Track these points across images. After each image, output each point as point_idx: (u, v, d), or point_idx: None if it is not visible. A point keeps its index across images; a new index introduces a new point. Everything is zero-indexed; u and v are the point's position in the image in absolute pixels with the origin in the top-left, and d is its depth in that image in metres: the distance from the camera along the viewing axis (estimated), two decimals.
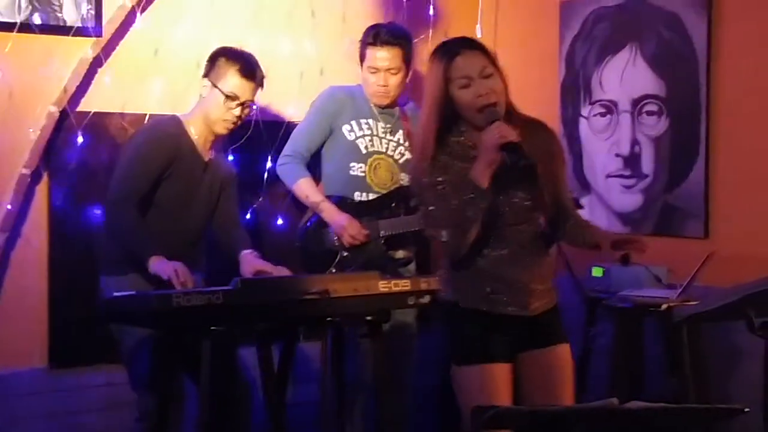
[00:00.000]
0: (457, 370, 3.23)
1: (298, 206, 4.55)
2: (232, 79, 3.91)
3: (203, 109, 3.96)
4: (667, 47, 4.75)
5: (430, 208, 3.15)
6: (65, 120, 4.36)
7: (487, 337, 3.19)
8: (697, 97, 4.65)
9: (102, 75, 4.46)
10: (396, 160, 4.50)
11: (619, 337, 4.54)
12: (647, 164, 4.84)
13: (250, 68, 3.95)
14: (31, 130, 4.29)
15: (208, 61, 3.99)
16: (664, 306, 4.15)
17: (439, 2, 5.28)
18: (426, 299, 3.81)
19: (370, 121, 4.45)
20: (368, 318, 3.78)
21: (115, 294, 3.41)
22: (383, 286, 3.72)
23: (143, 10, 4.49)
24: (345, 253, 4.36)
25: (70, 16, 4.34)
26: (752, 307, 3.34)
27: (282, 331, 3.78)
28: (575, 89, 5.09)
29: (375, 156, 4.46)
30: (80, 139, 4.36)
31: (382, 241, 4.40)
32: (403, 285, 3.78)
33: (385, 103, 4.47)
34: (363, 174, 4.45)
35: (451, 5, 5.35)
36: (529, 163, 3.12)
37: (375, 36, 4.34)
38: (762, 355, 3.48)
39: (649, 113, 4.84)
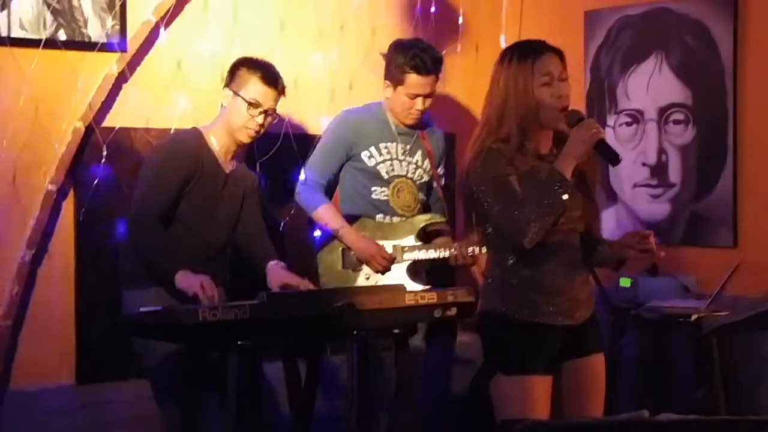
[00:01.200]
0: (497, 381, 3.22)
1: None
2: (254, 87, 3.91)
3: (225, 119, 3.95)
4: (693, 55, 4.72)
5: (493, 200, 3.14)
6: (91, 136, 4.37)
7: (530, 348, 3.19)
8: (723, 105, 4.62)
9: (127, 90, 4.47)
10: (415, 182, 4.48)
11: (648, 349, 4.51)
12: (674, 173, 4.81)
13: (272, 76, 3.94)
14: (57, 146, 4.30)
15: (228, 71, 3.99)
16: (694, 317, 4.12)
17: (466, 13, 5.28)
18: (453, 311, 3.79)
19: (389, 144, 4.42)
20: (395, 331, 3.76)
21: (142, 309, 3.41)
22: (409, 298, 3.71)
23: (167, 25, 4.50)
24: (367, 277, 4.34)
25: (94, 32, 4.35)
26: None
27: (308, 345, 3.76)
28: (601, 98, 5.07)
29: (397, 180, 4.44)
30: (105, 154, 4.36)
31: (405, 266, 4.36)
32: (429, 297, 3.76)
33: (414, 125, 4.45)
34: (386, 198, 4.43)
35: (475, 16, 5.34)
36: (620, 161, 3.18)
37: (420, 62, 4.29)
38: None
39: (676, 122, 4.81)
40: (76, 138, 4.32)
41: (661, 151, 4.85)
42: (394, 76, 4.34)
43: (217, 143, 3.95)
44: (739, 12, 4.58)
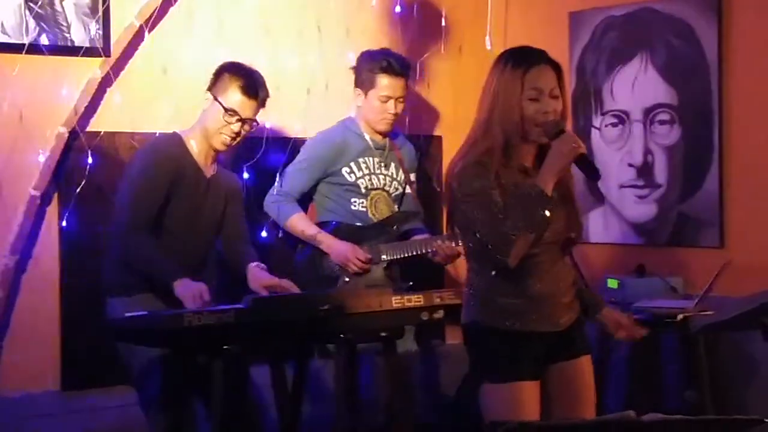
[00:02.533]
0: (485, 390, 3.19)
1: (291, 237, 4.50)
2: (234, 95, 3.88)
3: (202, 123, 3.92)
4: (678, 55, 4.73)
5: (477, 214, 3.09)
6: (75, 141, 4.35)
7: (516, 355, 3.16)
8: (709, 105, 4.63)
9: (111, 95, 4.45)
10: (390, 194, 4.53)
11: (635, 349, 4.51)
12: (660, 174, 4.81)
13: (253, 86, 3.91)
14: (41, 151, 4.28)
15: (213, 74, 3.96)
16: (680, 317, 4.12)
17: (449, 15, 5.27)
18: (440, 314, 3.79)
19: (367, 158, 4.47)
20: (382, 334, 3.75)
21: (127, 314, 3.40)
22: (396, 301, 3.70)
23: (151, 29, 4.48)
24: (347, 279, 4.34)
25: (78, 36, 4.33)
26: None
27: (295, 349, 3.75)
28: (586, 99, 5.06)
29: (373, 192, 4.49)
30: (90, 160, 4.35)
31: (385, 266, 4.37)
32: (416, 300, 3.75)
33: (388, 131, 4.48)
34: (365, 209, 4.48)
35: (460, 17, 5.33)
36: (599, 177, 3.14)
37: (389, 65, 4.36)
38: None
39: (662, 122, 4.81)
40: (59, 143, 4.30)
41: (647, 152, 4.85)
42: (364, 81, 4.40)
43: (197, 147, 3.92)
44: (724, 12, 4.58)
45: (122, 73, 4.47)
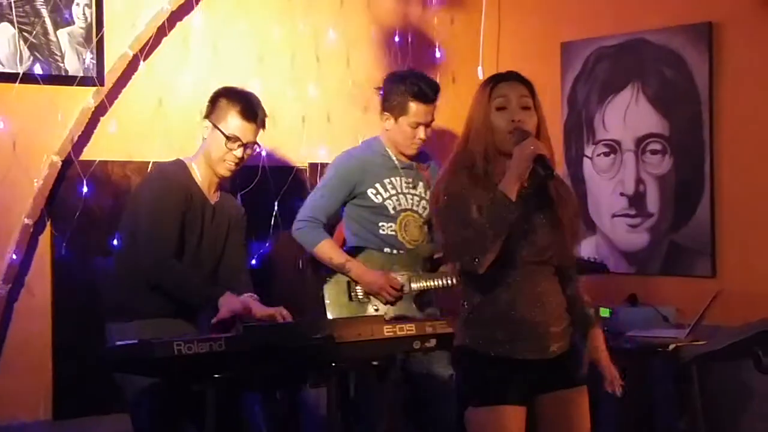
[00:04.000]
0: (470, 412, 3.19)
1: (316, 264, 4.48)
2: (233, 121, 3.88)
3: (205, 151, 3.93)
4: (669, 86, 4.75)
5: (449, 220, 3.12)
6: (68, 169, 4.36)
7: (502, 380, 3.16)
8: (700, 135, 4.65)
9: (105, 124, 4.47)
10: (420, 215, 4.46)
11: (628, 378, 4.49)
12: (652, 203, 4.83)
13: (251, 109, 3.92)
14: (36, 180, 4.29)
15: (209, 101, 3.96)
16: (672, 346, 4.12)
17: (442, 45, 5.31)
18: (432, 343, 3.77)
19: (394, 179, 4.42)
20: (374, 363, 3.74)
21: (118, 342, 3.39)
22: (388, 330, 3.69)
23: (146, 58, 4.50)
24: (376, 308, 4.32)
25: (72, 65, 4.36)
26: (760, 346, 3.31)
27: (287, 378, 3.74)
28: (578, 129, 5.09)
29: (404, 214, 4.43)
30: (85, 189, 4.36)
31: (413, 296, 4.35)
32: (408, 329, 3.74)
33: (415, 155, 4.45)
34: (393, 233, 4.42)
35: (453, 47, 5.37)
36: (555, 176, 3.15)
37: (420, 91, 4.31)
38: None
39: (653, 152, 4.83)
40: (52, 172, 4.31)
41: (639, 181, 4.87)
42: (395, 107, 4.35)
43: (201, 175, 3.93)
44: (714, 43, 4.61)
45: (116, 102, 4.50)
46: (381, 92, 4.44)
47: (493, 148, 3.16)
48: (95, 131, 4.45)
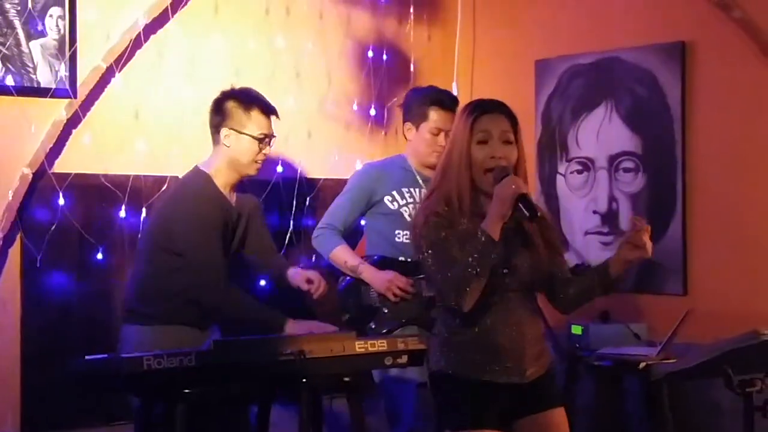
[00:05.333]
0: None
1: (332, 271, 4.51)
2: (258, 121, 3.94)
3: (231, 158, 3.93)
4: (642, 104, 4.78)
5: (432, 262, 3.12)
6: (39, 182, 4.33)
7: (478, 404, 3.16)
8: (672, 153, 4.67)
9: (78, 136, 4.44)
10: None
11: (600, 396, 4.51)
12: (625, 221, 4.84)
13: (266, 104, 3.99)
14: (9, 192, 4.27)
15: (216, 110, 3.96)
16: (643, 364, 4.13)
17: (417, 61, 5.32)
18: (404, 359, 3.77)
19: (412, 189, 4.45)
20: (345, 379, 3.73)
21: (87, 357, 3.36)
22: (360, 346, 3.68)
23: (120, 69, 4.49)
24: (386, 311, 4.34)
25: (44, 77, 4.33)
26: (730, 365, 3.32)
27: (258, 393, 3.72)
28: (552, 146, 5.10)
29: None
30: (61, 201, 4.33)
31: (425, 300, 4.32)
32: (379, 345, 3.74)
33: (437, 164, 4.46)
34: (409, 241, 4.41)
35: (427, 64, 5.38)
36: (542, 216, 3.15)
37: (439, 98, 4.39)
38: (743, 412, 3.44)
39: (626, 170, 4.85)
40: (23, 184, 4.29)
41: (612, 199, 4.89)
42: (416, 115, 4.41)
43: (222, 182, 3.96)
44: (687, 61, 4.64)
45: (90, 114, 4.47)
46: (403, 107, 4.51)
47: (469, 182, 3.15)
48: (68, 144, 4.43)
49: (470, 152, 3.14)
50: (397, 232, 4.43)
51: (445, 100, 4.40)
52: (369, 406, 4.07)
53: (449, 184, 3.16)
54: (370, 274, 4.35)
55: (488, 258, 3.05)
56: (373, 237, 4.50)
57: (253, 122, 3.93)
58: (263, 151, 3.96)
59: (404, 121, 4.48)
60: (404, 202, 4.43)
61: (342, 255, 4.39)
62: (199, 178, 3.97)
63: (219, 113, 3.95)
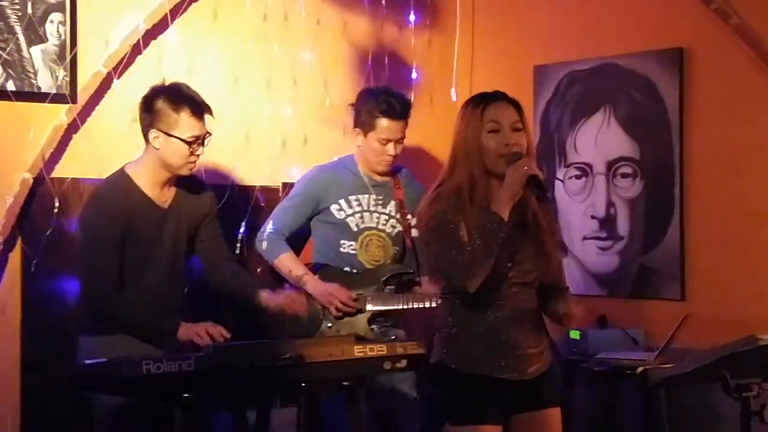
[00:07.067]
0: (446, 430, 3.20)
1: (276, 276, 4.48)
2: (187, 123, 3.73)
3: (160, 159, 3.76)
4: (641, 110, 4.80)
5: (436, 245, 3.14)
6: (40, 186, 4.34)
7: (479, 398, 3.18)
8: (670, 159, 4.69)
9: (78, 141, 4.46)
10: (388, 234, 4.42)
11: (597, 400, 4.52)
12: (623, 226, 4.86)
13: (197, 105, 3.76)
14: (7, 197, 4.28)
15: (146, 108, 3.76)
16: (640, 369, 4.14)
17: (418, 66, 5.33)
18: (403, 363, 3.77)
19: (360, 196, 4.39)
20: (344, 383, 3.74)
21: (86, 361, 3.37)
22: (358, 350, 3.69)
23: (120, 76, 4.50)
24: (329, 325, 4.29)
25: (45, 82, 4.35)
26: (727, 369, 3.33)
27: (256, 397, 3.73)
28: (550, 152, 5.12)
29: (366, 233, 4.39)
30: (57, 205, 4.34)
31: (369, 316, 4.31)
32: (378, 350, 3.73)
33: (386, 171, 4.41)
34: (354, 252, 4.38)
35: (426, 69, 5.39)
36: (552, 199, 3.17)
37: (389, 107, 4.28)
38: (740, 417, 3.45)
39: (624, 175, 4.87)
40: (23, 189, 4.30)
41: (610, 204, 4.90)
42: (364, 122, 4.32)
43: (148, 181, 3.79)
44: (685, 68, 4.66)
45: (89, 120, 4.49)
46: (354, 109, 4.42)
47: (483, 170, 3.18)
48: (68, 149, 4.44)
49: (482, 142, 3.16)
50: (342, 242, 4.37)
51: (396, 109, 4.29)
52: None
53: (460, 174, 3.18)
54: (313, 285, 4.26)
55: (496, 237, 3.08)
56: (318, 244, 4.43)
57: (183, 124, 3.71)
58: (195, 153, 3.75)
59: (354, 125, 4.38)
60: (351, 211, 4.37)
61: (287, 263, 4.29)
62: (111, 179, 3.85)
63: (148, 112, 3.74)
